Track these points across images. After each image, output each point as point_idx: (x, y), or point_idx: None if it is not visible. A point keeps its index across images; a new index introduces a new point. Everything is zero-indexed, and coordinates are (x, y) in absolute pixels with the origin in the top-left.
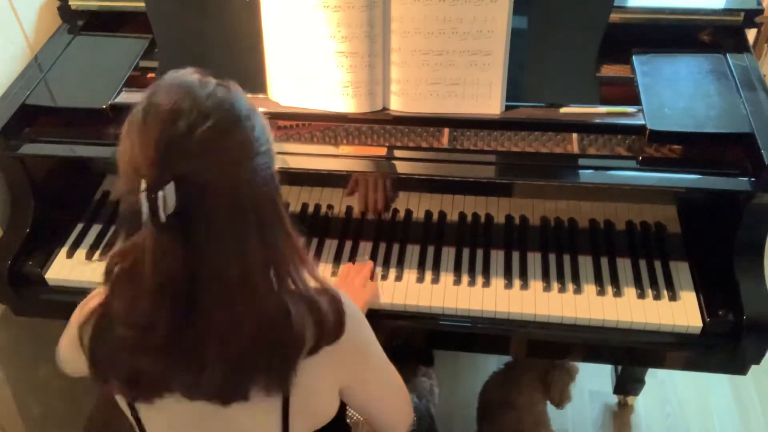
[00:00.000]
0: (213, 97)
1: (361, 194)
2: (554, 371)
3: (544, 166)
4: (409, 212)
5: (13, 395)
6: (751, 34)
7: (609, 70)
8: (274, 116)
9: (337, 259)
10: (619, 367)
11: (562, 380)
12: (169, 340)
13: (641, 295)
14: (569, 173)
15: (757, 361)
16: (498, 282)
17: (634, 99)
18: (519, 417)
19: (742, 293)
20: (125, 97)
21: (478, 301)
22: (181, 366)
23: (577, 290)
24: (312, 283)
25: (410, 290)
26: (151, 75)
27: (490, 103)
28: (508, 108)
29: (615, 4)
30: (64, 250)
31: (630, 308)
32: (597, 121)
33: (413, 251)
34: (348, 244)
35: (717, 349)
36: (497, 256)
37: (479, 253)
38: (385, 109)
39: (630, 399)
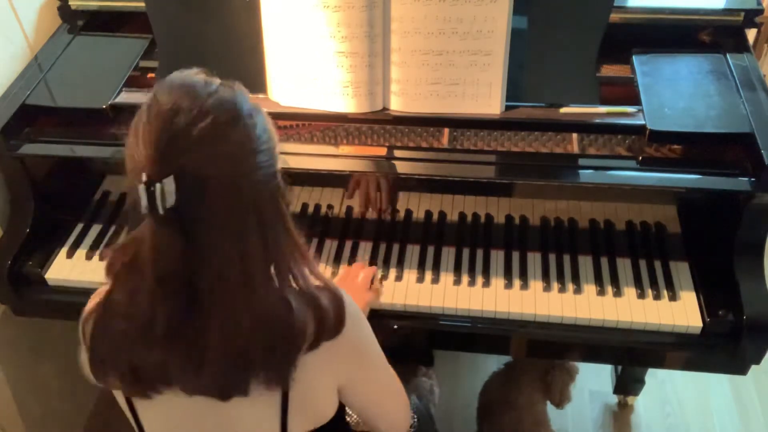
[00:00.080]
0: (215, 95)
1: (361, 194)
2: (554, 371)
3: (544, 166)
4: (409, 212)
5: (13, 395)
6: (751, 34)
7: (609, 70)
8: (274, 116)
9: (337, 259)
10: (619, 367)
11: (562, 380)
12: (168, 333)
13: (641, 295)
14: (569, 173)
15: (757, 361)
16: (498, 282)
17: (634, 99)
18: (519, 417)
19: (742, 293)
20: (125, 97)
21: (478, 301)
22: (180, 360)
23: (577, 290)
24: (313, 281)
25: (410, 290)
26: (151, 75)
27: (490, 103)
28: (508, 108)
29: (615, 4)
30: (64, 250)
31: (630, 308)
32: (597, 121)
33: (413, 251)
34: (348, 244)
35: (717, 349)
36: (497, 256)
37: (479, 253)
38: (385, 109)
39: (630, 399)
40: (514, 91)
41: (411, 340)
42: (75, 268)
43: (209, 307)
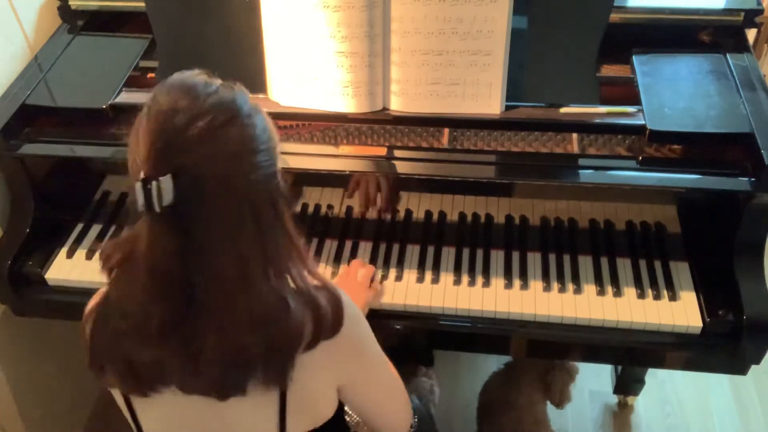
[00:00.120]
0: (214, 95)
1: (362, 194)
2: (554, 371)
3: (544, 166)
4: (409, 212)
5: (13, 395)
6: (751, 34)
7: (609, 70)
8: (274, 116)
9: (337, 259)
10: (619, 367)
11: (562, 380)
12: (163, 332)
13: (641, 295)
14: (569, 173)
15: (757, 361)
16: (498, 282)
17: (634, 99)
18: (519, 417)
19: (742, 293)
20: (125, 97)
21: (478, 301)
22: (176, 358)
23: (577, 290)
24: (311, 281)
25: (410, 290)
26: (151, 75)
27: (490, 103)
28: (508, 108)
29: (615, 4)
30: (64, 250)
31: (630, 308)
32: (597, 121)
33: (413, 251)
34: (348, 244)
35: (717, 349)
36: (497, 256)
37: (479, 253)
38: (385, 109)
39: (630, 399)
40: (514, 91)
41: (411, 340)
42: (75, 268)
43: (205, 305)
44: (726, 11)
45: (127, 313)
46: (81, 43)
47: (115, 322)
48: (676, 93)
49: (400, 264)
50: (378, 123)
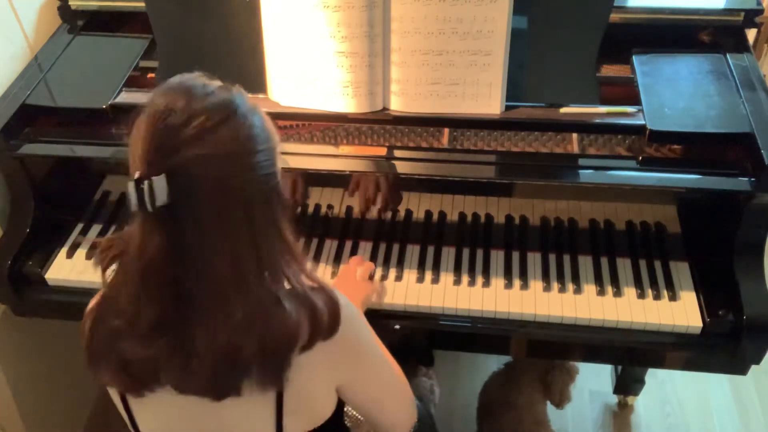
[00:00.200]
0: (211, 96)
1: (363, 194)
2: (554, 371)
3: (544, 166)
4: (409, 212)
5: (13, 395)
6: (751, 34)
7: (609, 70)
8: (274, 116)
9: (337, 259)
10: (619, 367)
11: (562, 380)
12: (155, 329)
13: (641, 295)
14: (569, 173)
15: (757, 361)
16: (498, 282)
17: (634, 99)
18: (519, 417)
19: (742, 293)
20: (125, 97)
21: (478, 301)
22: (169, 357)
23: (577, 290)
24: (307, 282)
25: (410, 290)
26: (151, 75)
27: (490, 103)
28: (508, 108)
29: (615, 4)
30: (64, 250)
31: (630, 308)
32: (597, 121)
33: (413, 251)
34: (348, 244)
35: (717, 349)
36: (497, 256)
37: (479, 253)
38: (385, 109)
39: (630, 399)
40: (514, 91)
41: (411, 340)
42: (75, 268)
43: (197, 305)
44: (726, 11)
45: (120, 312)
46: (81, 43)
47: (111, 321)
48: (676, 93)
49: (400, 264)
50: (378, 123)
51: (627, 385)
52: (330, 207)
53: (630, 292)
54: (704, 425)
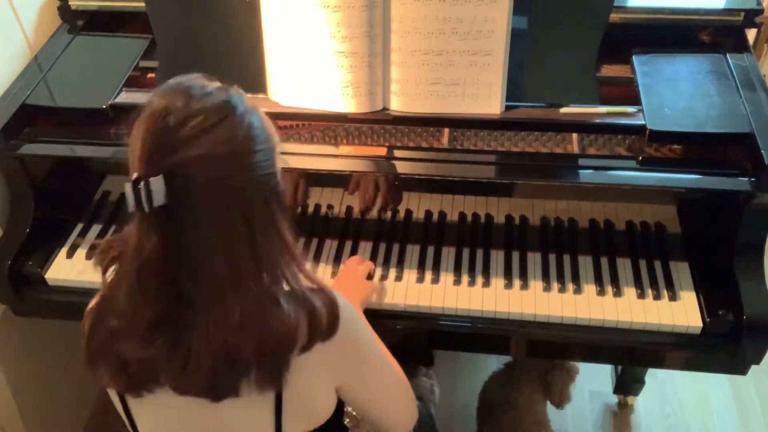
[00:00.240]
0: (208, 96)
1: (363, 194)
2: (554, 371)
3: (544, 166)
4: (409, 212)
5: (13, 395)
6: (751, 34)
7: (609, 70)
8: (274, 116)
9: (337, 259)
10: (619, 367)
11: (562, 380)
12: (152, 329)
13: (641, 295)
14: (569, 173)
15: (757, 361)
16: (498, 282)
17: (634, 99)
18: (519, 417)
19: (742, 293)
20: (125, 97)
21: (478, 301)
22: (167, 357)
23: (577, 290)
24: (306, 283)
25: (410, 290)
26: (151, 75)
27: (490, 103)
28: (508, 108)
29: (615, 4)
30: (64, 250)
31: (630, 308)
32: (597, 121)
33: (413, 251)
34: (348, 244)
35: (717, 349)
36: (497, 256)
37: (479, 253)
38: (385, 109)
39: (630, 399)
40: (514, 91)
41: (411, 340)
42: (75, 268)
43: (194, 305)
44: (726, 11)
45: (119, 312)
46: (81, 43)
47: (110, 321)
48: (676, 93)
49: (400, 264)
50: (378, 123)
51: (627, 385)
52: (330, 207)
53: (630, 292)
54: (704, 425)
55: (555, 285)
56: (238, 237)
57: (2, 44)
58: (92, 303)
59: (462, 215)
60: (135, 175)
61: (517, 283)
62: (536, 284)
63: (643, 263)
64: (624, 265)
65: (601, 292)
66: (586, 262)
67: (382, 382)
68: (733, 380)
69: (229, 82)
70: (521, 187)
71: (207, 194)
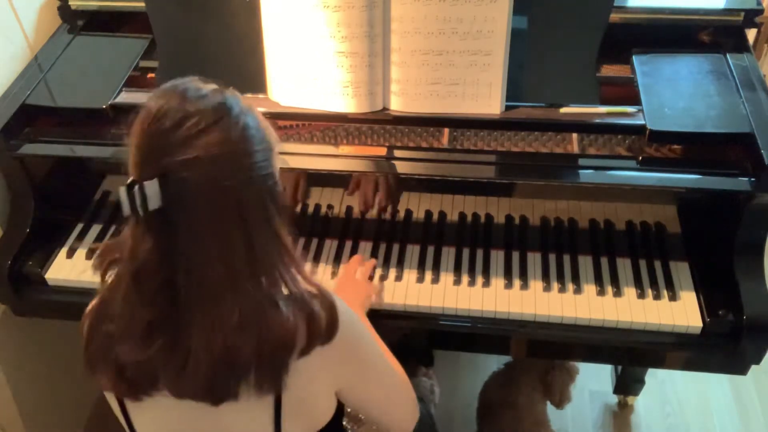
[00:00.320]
0: (203, 98)
1: (363, 194)
2: (554, 371)
3: (544, 166)
4: (409, 212)
5: (13, 395)
6: (751, 34)
7: (609, 70)
8: (274, 116)
9: (337, 259)
10: (619, 367)
11: (562, 380)
12: (149, 333)
13: (641, 295)
14: (569, 173)
15: (757, 361)
16: (498, 282)
17: (634, 99)
18: (519, 417)
19: (742, 293)
20: (125, 97)
21: (478, 301)
22: (164, 361)
23: (577, 290)
24: (305, 285)
25: (410, 290)
26: (151, 75)
27: (490, 103)
28: (508, 108)
29: (615, 4)
30: (64, 250)
31: (630, 308)
32: (597, 121)
33: (413, 251)
34: (348, 244)
35: (717, 349)
36: (497, 256)
37: (479, 253)
38: (385, 109)
39: (630, 399)
40: (514, 91)
41: (411, 340)
42: (75, 268)
43: (190, 308)
44: (726, 11)
45: (116, 316)
46: (81, 43)
47: (107, 325)
48: (676, 93)
49: (400, 264)
50: (378, 123)
51: (627, 385)
52: (330, 207)
53: (630, 292)
54: (704, 425)
55: (555, 285)
56: (235, 239)
57: (2, 44)
58: (90, 306)
59: (462, 215)
60: (131, 179)
61: (517, 283)
62: (536, 284)
63: (643, 263)
64: (624, 265)
65: (601, 292)
66: (586, 262)
67: (382, 384)
68: (733, 380)
69: (230, 82)
70: (521, 187)
71: (202, 197)
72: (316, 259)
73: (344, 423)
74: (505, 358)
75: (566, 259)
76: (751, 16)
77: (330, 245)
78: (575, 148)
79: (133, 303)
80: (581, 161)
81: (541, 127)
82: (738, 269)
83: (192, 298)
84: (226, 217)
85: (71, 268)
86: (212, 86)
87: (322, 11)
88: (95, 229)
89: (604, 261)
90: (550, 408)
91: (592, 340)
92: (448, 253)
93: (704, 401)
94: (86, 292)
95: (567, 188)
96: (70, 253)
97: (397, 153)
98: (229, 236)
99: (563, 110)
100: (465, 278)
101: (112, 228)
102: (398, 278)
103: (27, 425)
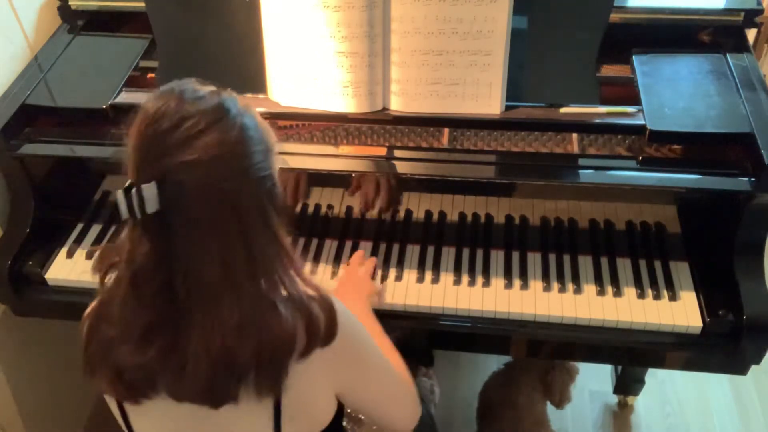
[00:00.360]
0: (201, 100)
1: (365, 194)
2: (554, 371)
3: (544, 166)
4: (409, 212)
5: (13, 395)
6: (751, 34)
7: (609, 70)
8: (274, 116)
9: (337, 259)
10: (619, 367)
11: (562, 380)
12: (147, 336)
13: (641, 295)
14: (569, 173)
15: (757, 361)
16: (498, 282)
17: (634, 99)
18: (519, 417)
19: (742, 293)
20: (125, 97)
21: (478, 301)
22: (163, 364)
23: (577, 290)
24: (303, 288)
25: (410, 290)
26: (151, 75)
27: (490, 103)
28: (508, 108)
29: (615, 4)
30: (64, 250)
31: (630, 308)
32: (597, 121)
33: (413, 251)
34: (348, 244)
35: (717, 349)
36: (497, 256)
37: (479, 253)
38: (385, 109)
39: (630, 399)
40: (514, 91)
41: (411, 340)
42: (75, 268)
43: (188, 311)
44: (726, 11)
45: (114, 319)
46: (81, 43)
47: (106, 328)
48: (676, 93)
49: (400, 264)
50: (378, 123)
51: (627, 385)
52: (330, 207)
53: (630, 292)
54: (704, 425)
55: (555, 285)
56: (233, 241)
57: (2, 44)
58: (89, 309)
59: (462, 215)
60: (129, 182)
61: (517, 283)
62: (536, 284)
63: (643, 263)
64: (624, 265)
65: (601, 292)
66: (586, 262)
67: (382, 384)
68: (733, 380)
69: (230, 82)
70: (521, 187)
71: (200, 199)
72: (316, 259)
73: (344, 423)
74: (505, 358)
75: (566, 259)
76: (751, 16)
77: (330, 245)
78: (575, 148)
79: (131, 306)
80: (581, 161)
81: (541, 127)
82: (738, 269)
83: (190, 300)
84: (224, 219)
85: (71, 268)
86: (210, 88)
87: (322, 11)
88: (95, 229)
89: (604, 261)
90: (550, 408)
91: (592, 340)
92: (448, 253)
93: (704, 401)
94: (86, 292)
95: (567, 188)
96: (70, 253)
97: (397, 153)
98: (228, 238)
99: (563, 110)
100: (465, 278)
101: (112, 228)
102: (398, 278)
103: (27, 425)
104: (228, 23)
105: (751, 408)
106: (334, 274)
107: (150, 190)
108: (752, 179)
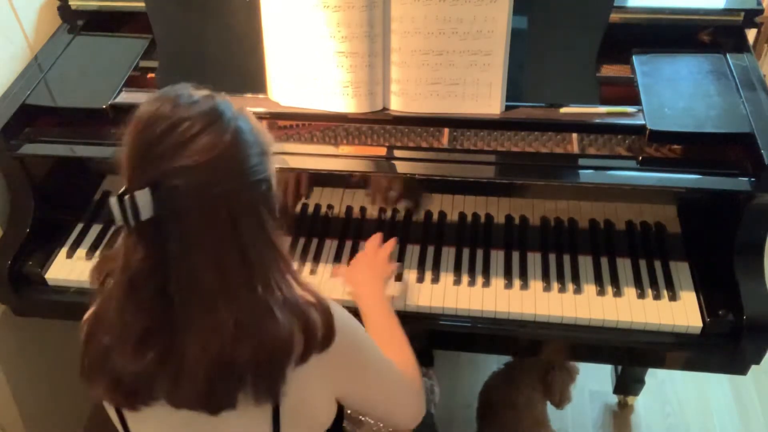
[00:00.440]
0: (195, 104)
1: (378, 192)
2: (554, 371)
3: (544, 166)
4: (409, 212)
5: (13, 395)
6: (751, 34)
7: (609, 70)
8: (274, 116)
9: (337, 259)
10: (619, 367)
11: (562, 380)
12: (143, 343)
13: (641, 295)
14: (569, 173)
15: (757, 361)
16: (498, 282)
17: (634, 99)
18: (519, 417)
19: (742, 293)
20: (125, 97)
21: (478, 301)
22: (160, 370)
23: (577, 290)
24: (300, 292)
25: (410, 290)
26: (151, 75)
27: (490, 103)
28: (508, 108)
29: (615, 4)
30: (64, 250)
31: (630, 308)
32: (597, 121)
33: (413, 251)
34: (348, 244)
35: (717, 349)
36: (497, 256)
37: (479, 253)
38: (385, 109)
39: (630, 399)
40: (514, 91)
41: (411, 340)
42: (75, 268)
43: (184, 317)
44: (726, 11)
45: (110, 326)
46: (81, 43)
47: (103, 335)
48: (676, 93)
49: (400, 264)
50: (378, 123)
51: (627, 385)
52: (330, 207)
53: (630, 292)
54: (704, 425)
55: (555, 285)
56: (229, 246)
57: (2, 44)
58: (87, 315)
59: (462, 215)
60: (123, 188)
61: (517, 283)
62: (536, 284)
63: (643, 263)
64: (624, 265)
65: (601, 292)
66: (586, 262)
67: (383, 385)
68: (733, 380)
69: (230, 82)
70: (521, 187)
71: (195, 204)
72: (316, 259)
73: (344, 425)
74: (505, 358)
75: (566, 259)
76: (751, 16)
77: (330, 245)
78: (575, 148)
79: (127, 312)
80: (581, 161)
81: (541, 127)
82: (738, 269)
83: (186, 306)
84: (219, 223)
85: (71, 268)
86: (204, 92)
87: (322, 11)
88: (95, 229)
89: (604, 261)
90: (550, 408)
91: (592, 340)
92: (448, 253)
93: (704, 401)
94: (86, 292)
95: (567, 188)
96: (70, 253)
97: (397, 153)
98: (223, 243)
99: (563, 110)
100: (465, 278)
101: (112, 228)
102: (398, 278)
103: (27, 425)
104: (228, 23)
105: (751, 408)
106: (334, 274)
107: (144, 196)
108: (752, 179)
